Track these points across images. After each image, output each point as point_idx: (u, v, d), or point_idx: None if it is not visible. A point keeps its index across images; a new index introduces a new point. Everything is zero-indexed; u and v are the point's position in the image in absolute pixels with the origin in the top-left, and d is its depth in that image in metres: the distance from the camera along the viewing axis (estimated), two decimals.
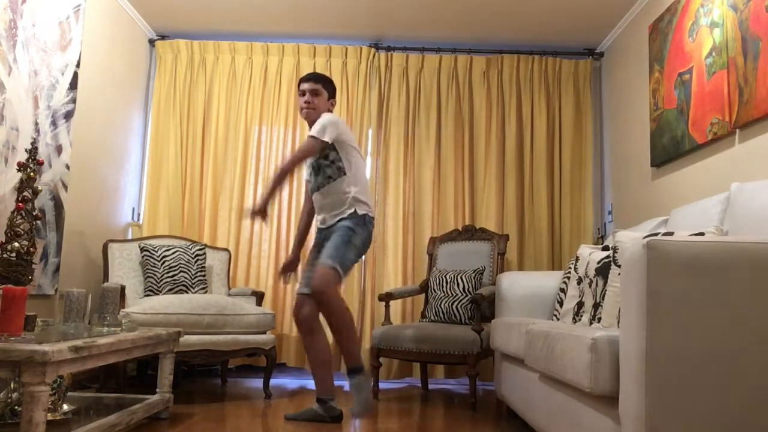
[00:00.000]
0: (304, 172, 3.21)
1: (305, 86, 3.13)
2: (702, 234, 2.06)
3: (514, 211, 4.44)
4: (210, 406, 3.22)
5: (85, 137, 3.79)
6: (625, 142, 4.13)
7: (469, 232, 4.20)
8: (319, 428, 2.75)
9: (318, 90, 3.11)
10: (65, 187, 3.54)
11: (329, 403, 2.90)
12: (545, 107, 4.54)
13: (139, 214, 4.58)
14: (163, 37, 4.68)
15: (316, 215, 3.17)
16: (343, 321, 2.84)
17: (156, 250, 3.82)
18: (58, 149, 3.46)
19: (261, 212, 2.93)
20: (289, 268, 3.27)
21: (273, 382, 4.11)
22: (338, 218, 3.00)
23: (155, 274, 3.74)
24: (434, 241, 4.29)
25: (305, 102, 3.10)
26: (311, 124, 3.09)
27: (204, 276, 3.87)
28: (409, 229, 4.45)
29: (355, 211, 2.98)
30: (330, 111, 3.16)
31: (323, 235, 3.08)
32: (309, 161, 3.11)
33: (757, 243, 1.51)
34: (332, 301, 2.81)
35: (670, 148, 3.36)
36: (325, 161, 3.03)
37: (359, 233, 2.95)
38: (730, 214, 2.18)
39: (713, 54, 2.96)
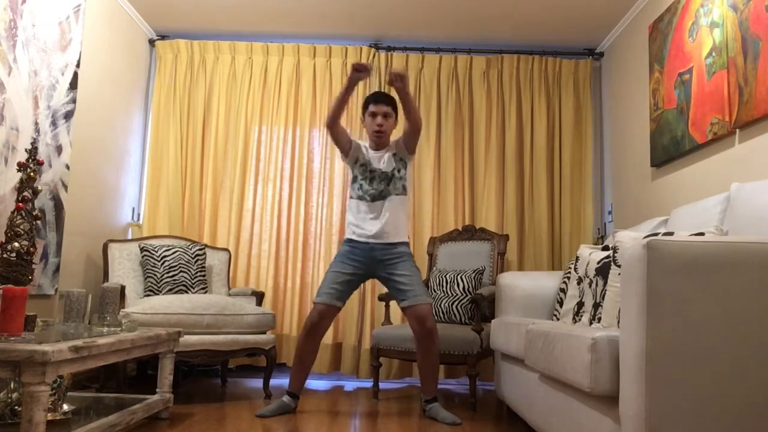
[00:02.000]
0: (357, 174, 3.15)
1: (379, 108, 3.12)
2: (702, 234, 2.06)
3: (514, 211, 4.44)
4: (210, 406, 3.22)
5: (85, 137, 3.79)
6: (625, 142, 4.13)
7: (469, 232, 4.20)
8: (318, 427, 2.76)
9: (390, 113, 3.14)
10: (65, 187, 3.54)
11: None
12: (545, 107, 4.54)
13: (139, 214, 4.58)
14: (163, 37, 4.68)
15: (363, 225, 3.11)
16: (438, 353, 3.10)
17: (156, 250, 3.82)
18: (58, 149, 3.46)
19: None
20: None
21: (273, 382, 4.11)
22: (397, 241, 3.10)
23: (155, 274, 3.74)
24: (434, 241, 4.29)
25: (378, 125, 3.11)
26: (379, 147, 3.15)
27: (204, 276, 3.87)
28: (409, 228, 4.45)
29: (407, 239, 3.17)
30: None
31: (376, 254, 3.07)
32: (376, 168, 3.13)
33: (757, 243, 1.51)
34: (437, 335, 3.08)
35: (670, 148, 3.36)
36: (398, 174, 3.12)
37: None
38: (730, 214, 2.18)
39: (713, 54, 2.96)
